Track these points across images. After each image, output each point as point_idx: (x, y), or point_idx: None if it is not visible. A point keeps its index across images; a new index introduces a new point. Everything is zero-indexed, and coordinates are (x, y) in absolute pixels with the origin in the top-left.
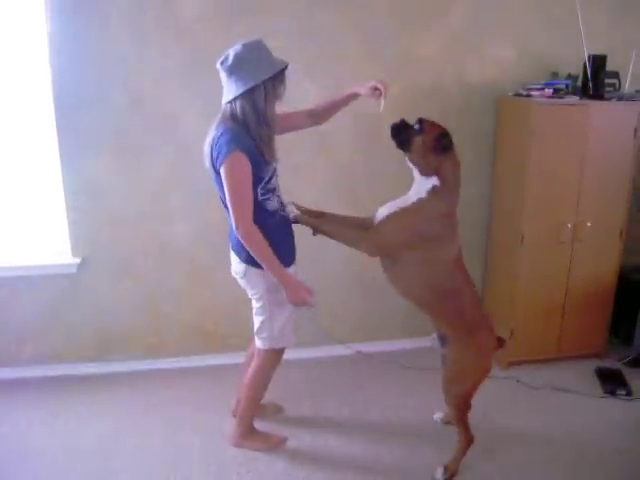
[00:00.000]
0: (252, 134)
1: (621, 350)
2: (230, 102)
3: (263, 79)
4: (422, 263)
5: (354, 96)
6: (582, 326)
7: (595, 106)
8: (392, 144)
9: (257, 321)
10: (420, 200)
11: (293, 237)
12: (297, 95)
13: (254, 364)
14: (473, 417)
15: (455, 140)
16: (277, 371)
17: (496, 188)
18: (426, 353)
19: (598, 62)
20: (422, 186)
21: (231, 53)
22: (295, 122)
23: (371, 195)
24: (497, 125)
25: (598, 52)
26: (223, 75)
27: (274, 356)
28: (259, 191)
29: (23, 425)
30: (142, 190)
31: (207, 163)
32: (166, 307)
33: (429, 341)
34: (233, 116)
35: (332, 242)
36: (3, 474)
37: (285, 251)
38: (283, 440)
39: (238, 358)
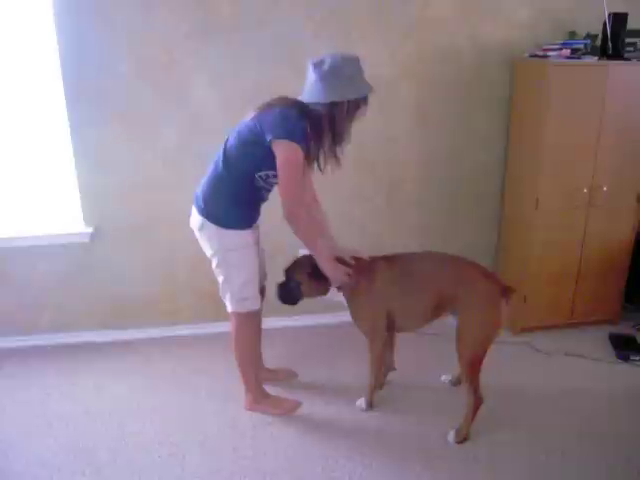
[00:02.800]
0: (316, 138)
1: (635, 316)
2: (312, 103)
3: (349, 98)
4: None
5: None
6: (596, 292)
7: (614, 66)
8: (404, 106)
9: (219, 282)
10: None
11: (259, 207)
12: (306, 60)
13: (230, 329)
14: (485, 382)
15: (469, 103)
16: (292, 337)
17: (511, 151)
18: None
19: (618, 20)
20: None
21: (328, 60)
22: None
23: (382, 156)
24: (512, 87)
25: (618, 10)
26: (313, 76)
27: (244, 319)
28: (263, 172)
29: (43, 391)
30: (153, 158)
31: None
32: (180, 274)
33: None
34: (310, 114)
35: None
36: (27, 438)
37: (249, 216)
38: (297, 405)
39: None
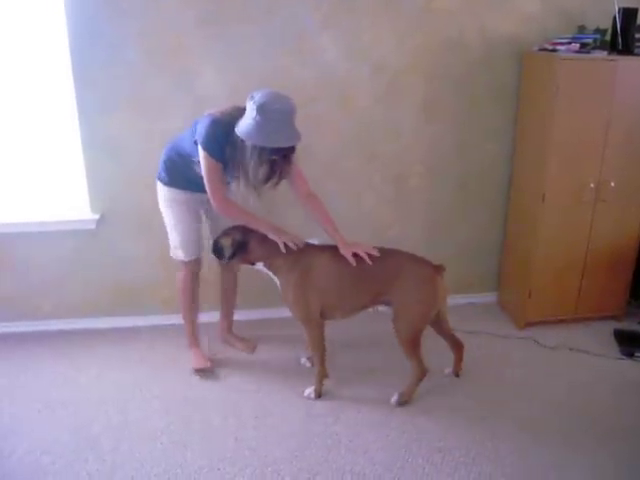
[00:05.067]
0: (233, 160)
1: None
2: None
3: (254, 142)
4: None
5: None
6: (601, 287)
7: (624, 62)
8: (411, 97)
9: None
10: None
11: (192, 179)
12: (314, 49)
13: None
14: (489, 376)
15: (477, 96)
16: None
17: (518, 145)
18: None
19: (628, 15)
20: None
21: (258, 97)
22: (293, 183)
23: (389, 147)
24: (521, 81)
25: (629, 5)
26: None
27: (180, 266)
28: (195, 159)
29: (46, 377)
30: (160, 145)
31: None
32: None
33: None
34: (235, 135)
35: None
36: (29, 424)
37: (181, 180)
38: (208, 367)
39: (254, 314)
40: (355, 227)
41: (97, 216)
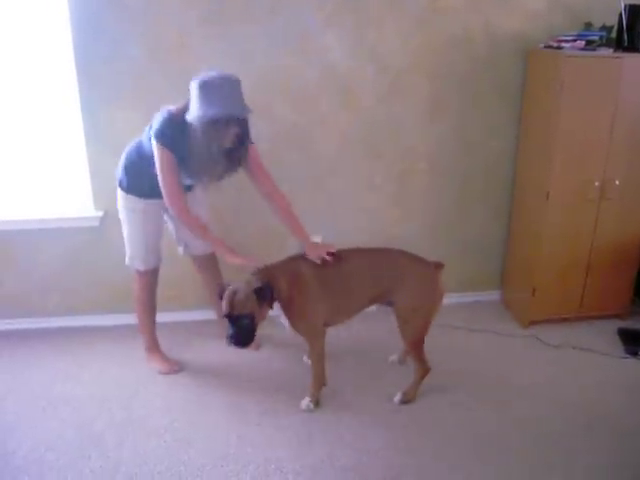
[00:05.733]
0: (191, 150)
1: None
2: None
3: (201, 119)
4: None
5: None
6: (606, 286)
7: (630, 59)
8: (415, 96)
9: None
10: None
11: (153, 184)
12: (317, 48)
13: None
14: (492, 374)
15: (481, 93)
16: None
17: (522, 143)
18: None
19: (634, 12)
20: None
21: (201, 76)
22: (255, 179)
23: (392, 145)
24: (525, 78)
25: (634, 2)
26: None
27: (136, 276)
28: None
29: (49, 374)
30: None
31: None
32: (185, 260)
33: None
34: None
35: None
36: (33, 421)
37: (139, 186)
38: (175, 370)
39: None
40: (359, 226)
41: (101, 213)
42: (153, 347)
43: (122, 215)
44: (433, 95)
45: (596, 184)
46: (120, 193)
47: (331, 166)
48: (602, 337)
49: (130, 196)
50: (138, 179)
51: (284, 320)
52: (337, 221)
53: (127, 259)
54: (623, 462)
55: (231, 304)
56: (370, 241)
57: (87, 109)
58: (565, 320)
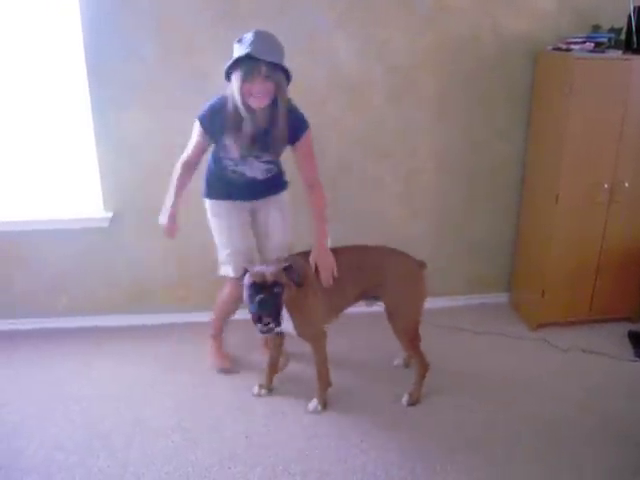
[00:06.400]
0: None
1: None
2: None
3: (227, 69)
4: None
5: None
6: (615, 289)
7: (638, 61)
8: (423, 96)
9: None
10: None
11: (233, 182)
12: (326, 48)
13: None
14: (501, 377)
15: (489, 94)
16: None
17: (530, 145)
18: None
19: None
20: None
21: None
22: (300, 165)
23: (400, 145)
24: (534, 80)
25: None
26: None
27: (227, 283)
28: (219, 152)
29: (59, 374)
30: (173, 144)
31: None
32: (196, 261)
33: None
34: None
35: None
36: (42, 420)
37: (218, 188)
38: (221, 365)
39: None
40: (366, 225)
41: (110, 214)
42: (216, 340)
43: (211, 223)
44: (441, 95)
45: (605, 186)
46: (205, 201)
47: (340, 166)
48: (612, 340)
49: (212, 201)
50: (216, 182)
51: (287, 324)
52: (345, 220)
53: (219, 269)
54: (635, 465)
55: (264, 274)
56: (378, 241)
57: (97, 110)
58: (574, 323)
